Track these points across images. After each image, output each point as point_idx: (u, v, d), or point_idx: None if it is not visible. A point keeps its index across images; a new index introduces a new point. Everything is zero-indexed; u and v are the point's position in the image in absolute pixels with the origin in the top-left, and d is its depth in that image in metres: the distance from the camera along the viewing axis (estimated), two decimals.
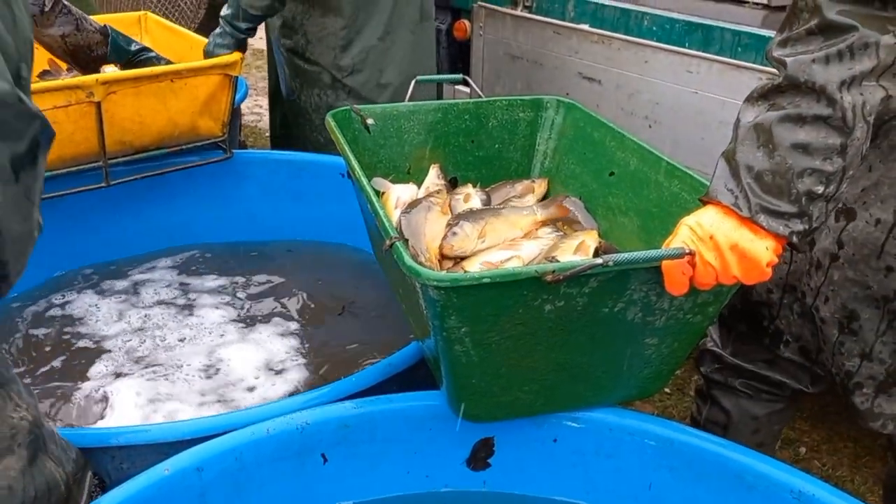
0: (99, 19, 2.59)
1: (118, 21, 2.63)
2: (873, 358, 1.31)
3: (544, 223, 1.57)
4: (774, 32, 1.10)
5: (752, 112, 1.05)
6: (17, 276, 0.89)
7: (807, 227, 1.03)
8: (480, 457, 1.37)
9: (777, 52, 1.04)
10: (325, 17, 2.40)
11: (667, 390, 2.51)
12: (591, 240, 1.45)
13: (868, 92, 1.00)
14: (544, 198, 1.73)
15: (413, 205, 1.49)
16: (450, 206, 1.57)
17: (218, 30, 2.21)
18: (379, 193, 1.56)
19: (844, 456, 2.30)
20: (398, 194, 1.58)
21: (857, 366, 1.33)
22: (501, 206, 1.63)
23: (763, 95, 1.05)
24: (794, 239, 1.03)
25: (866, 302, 1.28)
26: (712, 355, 1.62)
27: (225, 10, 2.20)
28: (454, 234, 1.45)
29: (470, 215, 1.53)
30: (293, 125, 2.67)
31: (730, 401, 1.61)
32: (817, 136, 1.00)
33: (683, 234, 1.06)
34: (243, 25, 2.19)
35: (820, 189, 1.01)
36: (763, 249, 1.02)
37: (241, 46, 2.22)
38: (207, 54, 2.20)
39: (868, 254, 1.24)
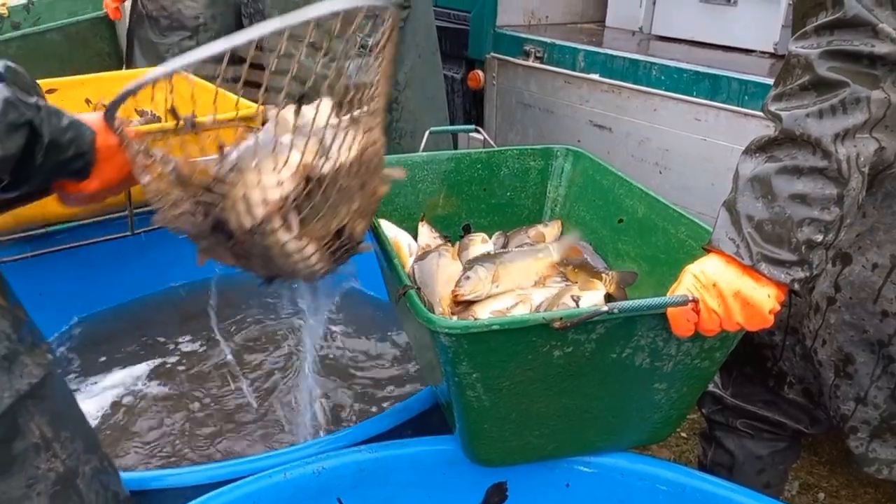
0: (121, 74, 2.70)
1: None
2: (868, 402, 1.32)
3: (559, 265, 1.60)
4: None
5: (750, 163, 1.09)
6: None
7: (808, 274, 1.05)
8: (493, 501, 1.39)
9: (773, 107, 1.08)
10: None
11: (683, 434, 2.50)
12: (601, 288, 1.47)
13: (861, 144, 1.03)
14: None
15: (424, 255, 1.53)
16: (459, 252, 1.61)
17: None
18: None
19: (865, 502, 2.27)
20: (408, 242, 1.62)
21: (852, 410, 1.34)
22: (515, 250, 1.66)
23: (761, 147, 1.08)
24: (796, 286, 1.05)
25: (862, 346, 1.29)
26: (713, 397, 1.63)
27: None
28: (467, 278, 1.48)
29: (484, 259, 1.56)
30: None
31: (733, 441, 1.62)
32: (814, 187, 1.03)
33: (687, 282, 1.09)
34: None
35: (819, 237, 1.04)
36: (765, 297, 1.05)
37: None
38: None
39: (865, 298, 1.26)
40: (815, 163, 1.03)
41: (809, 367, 1.40)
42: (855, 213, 1.07)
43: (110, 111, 1.00)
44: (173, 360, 2.14)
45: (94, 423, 1.87)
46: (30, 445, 1.03)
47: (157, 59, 2.97)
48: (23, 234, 2.01)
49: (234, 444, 1.80)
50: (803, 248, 1.04)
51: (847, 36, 1.02)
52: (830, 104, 1.02)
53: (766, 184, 1.05)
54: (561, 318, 1.06)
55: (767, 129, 1.10)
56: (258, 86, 0.94)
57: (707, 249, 1.11)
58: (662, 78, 2.50)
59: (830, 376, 1.35)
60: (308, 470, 1.31)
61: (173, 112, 1.06)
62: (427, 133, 1.90)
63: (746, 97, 2.26)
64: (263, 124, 1.06)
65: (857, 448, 1.36)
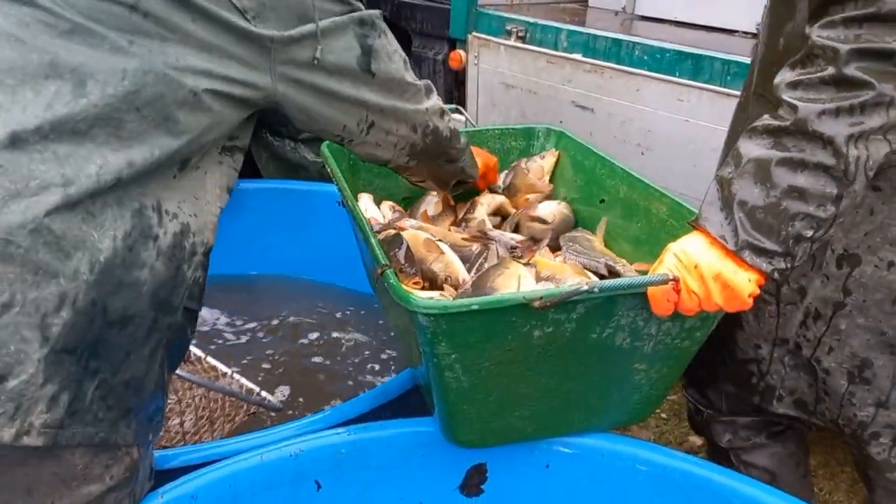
0: None
1: None
2: (890, 406, 1.28)
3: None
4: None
5: (754, 145, 1.05)
6: None
7: (789, 265, 1.04)
8: (473, 483, 1.38)
9: (787, 94, 1.04)
10: None
11: (663, 415, 2.51)
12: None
13: (874, 146, 1.00)
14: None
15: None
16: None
17: None
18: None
19: (841, 481, 2.30)
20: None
21: (871, 415, 1.30)
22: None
23: (769, 131, 1.04)
24: (776, 275, 1.03)
25: (879, 348, 1.26)
26: (723, 425, 1.55)
27: None
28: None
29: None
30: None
31: (763, 456, 1.55)
32: (815, 183, 1.00)
33: (669, 262, 1.08)
34: None
35: (809, 233, 1.02)
36: (746, 281, 1.03)
37: None
38: None
39: (881, 298, 1.23)
40: (822, 159, 0.99)
41: (804, 377, 1.36)
42: (849, 213, 1.05)
43: None
44: None
45: None
46: None
47: None
48: None
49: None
50: (791, 241, 1.02)
51: (878, 31, 0.97)
52: (850, 104, 0.98)
53: (766, 171, 1.02)
54: (541, 298, 1.05)
55: (767, 117, 1.05)
56: None
57: (693, 225, 1.09)
58: (645, 58, 2.48)
59: (843, 384, 1.30)
60: (285, 452, 1.29)
61: None
62: None
63: (729, 77, 2.25)
64: None
65: (880, 454, 1.32)
